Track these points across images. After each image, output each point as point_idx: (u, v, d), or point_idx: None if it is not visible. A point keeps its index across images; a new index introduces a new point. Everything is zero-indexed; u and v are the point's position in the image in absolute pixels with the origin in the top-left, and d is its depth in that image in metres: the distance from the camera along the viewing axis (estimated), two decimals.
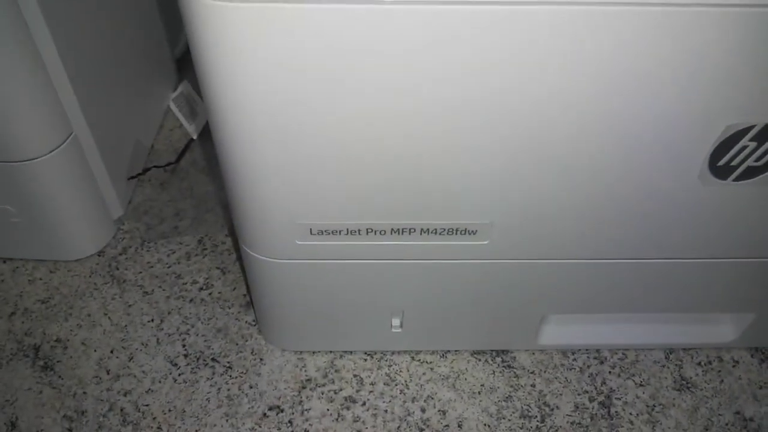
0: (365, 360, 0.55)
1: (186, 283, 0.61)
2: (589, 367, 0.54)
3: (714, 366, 0.55)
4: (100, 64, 0.60)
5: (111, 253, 0.64)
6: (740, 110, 0.36)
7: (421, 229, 0.43)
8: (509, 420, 0.51)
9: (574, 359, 0.55)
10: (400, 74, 0.33)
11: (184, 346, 0.56)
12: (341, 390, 0.53)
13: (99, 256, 0.64)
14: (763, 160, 0.38)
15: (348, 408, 0.52)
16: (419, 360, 0.55)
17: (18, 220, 0.59)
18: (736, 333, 0.54)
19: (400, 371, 0.54)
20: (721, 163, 0.39)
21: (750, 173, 0.39)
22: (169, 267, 0.63)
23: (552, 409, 0.51)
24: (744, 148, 0.38)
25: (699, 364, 0.55)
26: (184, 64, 0.85)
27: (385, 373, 0.54)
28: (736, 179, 0.39)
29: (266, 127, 0.36)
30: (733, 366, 0.55)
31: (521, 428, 0.50)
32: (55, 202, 0.58)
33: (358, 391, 0.53)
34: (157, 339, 0.57)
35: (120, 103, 0.65)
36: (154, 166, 0.71)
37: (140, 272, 0.62)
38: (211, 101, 0.37)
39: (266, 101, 0.35)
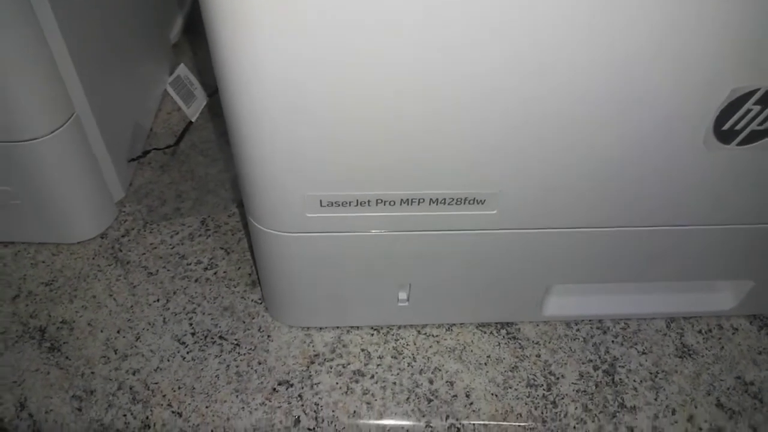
0: (372, 335, 0.55)
1: (190, 264, 0.61)
2: (592, 337, 0.55)
3: (714, 333, 0.56)
4: (100, 46, 0.60)
5: (113, 235, 0.64)
6: (745, 73, 0.36)
7: (430, 199, 0.44)
8: (516, 389, 0.52)
9: (578, 329, 0.56)
10: (409, 40, 0.34)
11: (191, 324, 0.56)
12: (349, 364, 0.53)
13: (101, 238, 0.64)
14: (767, 124, 0.39)
15: (357, 381, 0.52)
16: (425, 333, 0.55)
17: (19, 203, 0.58)
18: (735, 301, 0.55)
19: (407, 345, 0.55)
20: (725, 127, 0.39)
21: (754, 137, 0.40)
22: (172, 248, 0.63)
23: (557, 378, 0.52)
24: (748, 111, 0.38)
25: (699, 331, 0.56)
26: (180, 48, 0.85)
27: (393, 346, 0.55)
28: (740, 143, 0.40)
29: (277, 97, 0.37)
30: (733, 333, 0.56)
31: (528, 397, 0.51)
32: (57, 183, 0.58)
33: (366, 364, 0.53)
34: (164, 318, 0.57)
35: (119, 85, 0.65)
36: (154, 149, 0.71)
37: (144, 253, 0.62)
38: (222, 71, 0.37)
39: (277, 70, 0.35)
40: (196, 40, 0.87)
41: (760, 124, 0.39)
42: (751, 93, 0.38)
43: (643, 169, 0.42)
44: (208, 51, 0.36)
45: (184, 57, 0.84)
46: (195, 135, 0.75)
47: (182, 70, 0.78)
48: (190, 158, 0.72)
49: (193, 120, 0.75)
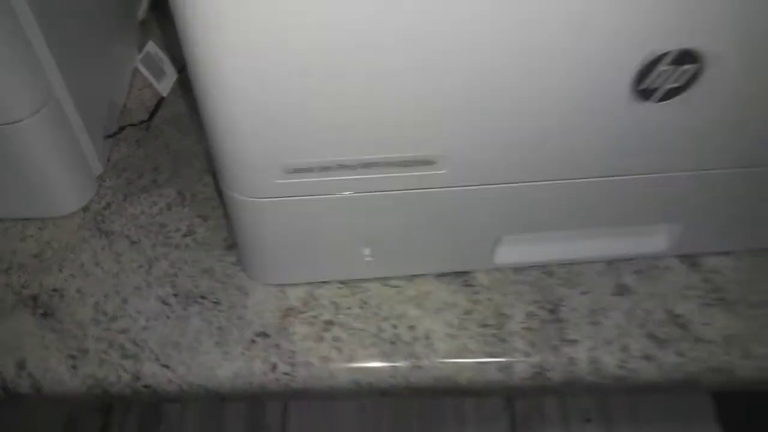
0: (340, 288, 0.61)
1: (170, 231, 0.66)
2: (539, 281, 0.61)
3: (649, 273, 0.62)
4: (73, 26, 0.63)
5: (96, 208, 0.68)
6: (658, 37, 0.41)
7: (385, 162, 0.49)
8: (469, 329, 0.57)
9: (526, 275, 0.61)
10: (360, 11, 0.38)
11: (173, 287, 0.61)
12: (320, 315, 0.59)
13: (84, 211, 0.68)
14: (682, 80, 0.44)
15: (328, 330, 0.58)
16: (389, 285, 0.61)
17: (5, 182, 0.62)
18: (668, 243, 0.61)
19: (373, 296, 0.60)
20: (643, 86, 0.44)
21: (671, 94, 0.45)
22: (152, 217, 0.67)
23: (507, 318, 0.58)
24: (663, 72, 0.43)
25: (636, 272, 0.62)
26: (148, 25, 0.88)
27: (359, 298, 0.60)
28: (660, 100, 0.45)
29: (241, 72, 0.41)
30: (666, 272, 0.62)
31: (481, 336, 0.57)
32: (40, 162, 0.61)
33: (335, 315, 0.59)
34: (148, 283, 0.62)
35: (93, 64, 0.68)
36: (129, 125, 0.75)
37: (125, 224, 0.67)
38: (188, 45, 0.40)
39: (241, 42, 0.39)
40: (163, 17, 0.90)
41: (675, 81, 0.44)
42: (664, 55, 0.42)
43: (576, 126, 0.47)
44: (175, 27, 0.40)
45: (151, 34, 0.87)
46: (167, 110, 0.78)
47: (151, 46, 0.81)
48: (164, 132, 0.76)
49: (164, 95, 0.79)
